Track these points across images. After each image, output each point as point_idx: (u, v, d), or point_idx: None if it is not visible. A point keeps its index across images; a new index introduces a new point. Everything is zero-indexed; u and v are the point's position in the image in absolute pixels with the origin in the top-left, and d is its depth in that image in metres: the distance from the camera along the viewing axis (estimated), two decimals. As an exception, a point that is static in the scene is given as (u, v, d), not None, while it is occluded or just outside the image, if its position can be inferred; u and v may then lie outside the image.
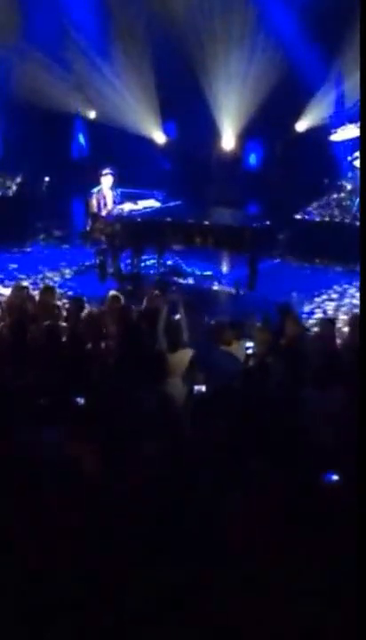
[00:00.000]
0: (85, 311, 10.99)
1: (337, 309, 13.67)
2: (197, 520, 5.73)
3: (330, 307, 13.82)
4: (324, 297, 14.34)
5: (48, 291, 11.94)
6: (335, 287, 14.83)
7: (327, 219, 16.35)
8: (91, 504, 5.85)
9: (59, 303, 11.68)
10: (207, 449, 6.94)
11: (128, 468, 6.48)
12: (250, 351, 9.65)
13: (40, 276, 15.21)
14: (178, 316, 10.87)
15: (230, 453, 6.71)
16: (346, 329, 10.84)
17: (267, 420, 7.44)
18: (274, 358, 9.18)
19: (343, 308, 13.69)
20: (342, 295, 14.53)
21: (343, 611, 5.21)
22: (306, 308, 13.45)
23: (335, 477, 6.48)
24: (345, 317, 12.65)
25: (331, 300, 14.28)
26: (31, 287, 13.45)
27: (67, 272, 15.50)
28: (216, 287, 14.75)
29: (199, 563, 5.43)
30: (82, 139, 19.58)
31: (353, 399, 7.80)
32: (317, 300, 14.13)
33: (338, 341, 10.19)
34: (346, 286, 14.89)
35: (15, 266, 15.64)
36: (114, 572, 5.36)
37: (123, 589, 5.28)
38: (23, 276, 15.03)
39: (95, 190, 14.77)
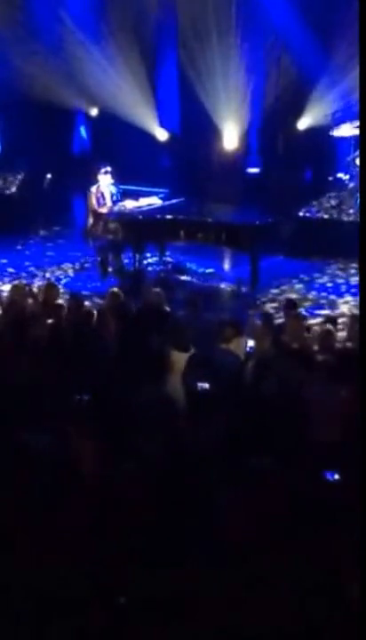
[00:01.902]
0: (85, 308, 10.97)
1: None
2: (197, 519, 5.73)
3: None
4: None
5: (50, 288, 11.93)
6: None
7: (327, 216, 16.33)
8: (91, 504, 5.84)
9: (60, 301, 11.64)
10: (207, 447, 6.94)
11: (128, 466, 6.48)
12: (248, 349, 9.63)
13: (40, 272, 15.22)
14: (182, 314, 10.90)
15: (230, 451, 6.71)
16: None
17: (268, 418, 7.44)
18: (274, 356, 9.15)
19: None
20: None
21: (344, 610, 5.21)
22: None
23: (336, 476, 6.47)
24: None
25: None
26: (38, 283, 13.50)
27: (68, 269, 15.50)
28: (218, 285, 14.73)
29: (199, 562, 5.43)
30: (83, 134, 19.55)
31: (354, 397, 7.82)
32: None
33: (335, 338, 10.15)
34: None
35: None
36: (114, 572, 5.37)
37: (124, 589, 5.28)
38: (14, 272, 15.09)
39: (93, 189, 14.75)
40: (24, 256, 16.14)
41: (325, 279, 14.78)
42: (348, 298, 13.88)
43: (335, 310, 13.17)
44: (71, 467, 6.27)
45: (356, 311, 12.44)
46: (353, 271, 14.90)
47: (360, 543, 5.44)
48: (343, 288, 14.37)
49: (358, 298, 13.59)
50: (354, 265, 14.81)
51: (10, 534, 5.57)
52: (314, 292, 14.20)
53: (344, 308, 13.35)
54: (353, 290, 14.16)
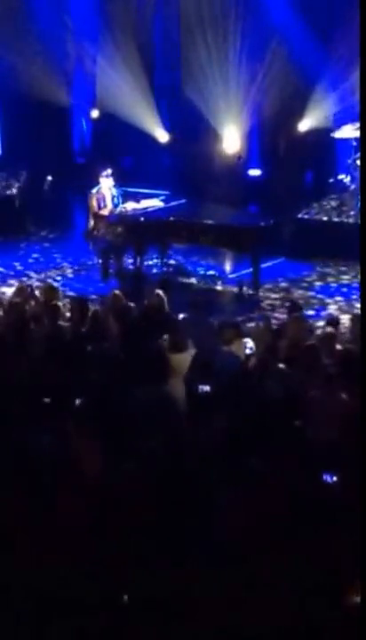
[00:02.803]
0: (87, 310, 10.95)
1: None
2: (197, 519, 5.73)
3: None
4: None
5: (51, 290, 11.92)
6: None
7: (328, 218, 16.32)
8: (91, 504, 5.85)
9: (61, 303, 11.62)
10: (208, 447, 6.95)
11: (128, 466, 6.49)
12: (248, 351, 9.63)
13: (42, 274, 15.23)
14: (182, 316, 10.89)
15: (230, 453, 6.72)
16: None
17: (268, 419, 7.44)
18: (274, 358, 9.14)
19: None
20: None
21: (344, 610, 5.21)
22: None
23: (335, 477, 6.47)
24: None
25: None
26: (35, 285, 13.50)
27: (69, 271, 15.51)
28: (219, 287, 14.73)
29: (199, 562, 5.44)
30: (84, 136, 19.55)
31: (355, 398, 7.82)
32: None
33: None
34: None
35: None
36: (114, 572, 5.37)
37: (124, 589, 5.28)
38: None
39: (94, 191, 14.76)
40: (22, 258, 16.15)
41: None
42: (338, 298, 13.92)
43: (324, 311, 13.23)
44: (71, 467, 6.27)
45: (346, 311, 12.59)
46: (343, 268, 14.96)
47: (360, 543, 5.44)
48: (332, 288, 14.42)
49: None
50: (343, 263, 14.92)
51: (10, 534, 5.57)
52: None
53: (332, 309, 13.39)
54: (343, 289, 14.22)
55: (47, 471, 6.19)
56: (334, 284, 14.61)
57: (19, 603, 5.17)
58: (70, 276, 15.28)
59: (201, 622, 5.08)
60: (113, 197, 14.81)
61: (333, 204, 16.56)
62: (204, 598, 5.19)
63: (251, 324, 10.60)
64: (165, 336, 9.74)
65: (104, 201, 14.74)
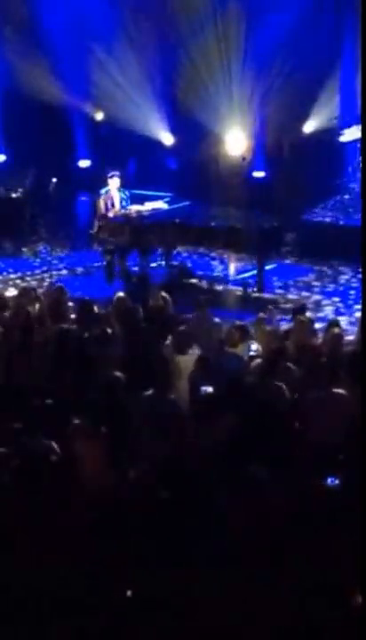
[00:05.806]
0: (91, 312, 10.96)
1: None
2: (197, 519, 5.73)
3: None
4: None
5: (56, 292, 11.92)
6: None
7: (333, 220, 16.33)
8: (91, 504, 5.86)
9: (66, 305, 11.63)
10: (210, 449, 6.95)
11: (131, 468, 6.50)
12: (253, 353, 9.63)
13: (47, 276, 15.27)
14: (188, 318, 10.90)
15: (232, 453, 6.72)
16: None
17: (270, 422, 7.44)
18: (279, 360, 9.13)
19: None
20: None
21: (344, 610, 5.21)
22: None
23: (337, 480, 6.48)
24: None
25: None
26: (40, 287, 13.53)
27: (74, 273, 15.53)
28: (224, 288, 14.73)
29: (199, 562, 5.44)
30: (89, 138, 19.57)
31: (357, 399, 7.82)
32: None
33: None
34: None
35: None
36: (114, 572, 5.37)
37: (124, 589, 5.29)
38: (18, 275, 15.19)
39: (103, 192, 14.78)
40: (27, 260, 16.20)
41: (318, 279, 14.85)
42: (342, 299, 13.95)
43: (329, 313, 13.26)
44: (71, 467, 6.28)
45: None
46: (346, 270, 15.00)
47: (360, 543, 5.44)
48: (337, 289, 14.44)
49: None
50: (347, 265, 14.94)
51: (10, 534, 5.58)
52: (304, 293, 14.27)
53: (336, 310, 13.42)
54: (351, 291, 14.22)
55: (47, 471, 6.20)
56: (337, 286, 14.63)
57: (19, 603, 5.17)
58: (75, 277, 15.30)
59: (201, 622, 5.07)
60: (121, 200, 14.82)
61: (338, 205, 16.57)
62: (204, 598, 5.19)
63: (256, 326, 10.57)
64: (169, 339, 9.76)
65: (112, 202, 14.75)
